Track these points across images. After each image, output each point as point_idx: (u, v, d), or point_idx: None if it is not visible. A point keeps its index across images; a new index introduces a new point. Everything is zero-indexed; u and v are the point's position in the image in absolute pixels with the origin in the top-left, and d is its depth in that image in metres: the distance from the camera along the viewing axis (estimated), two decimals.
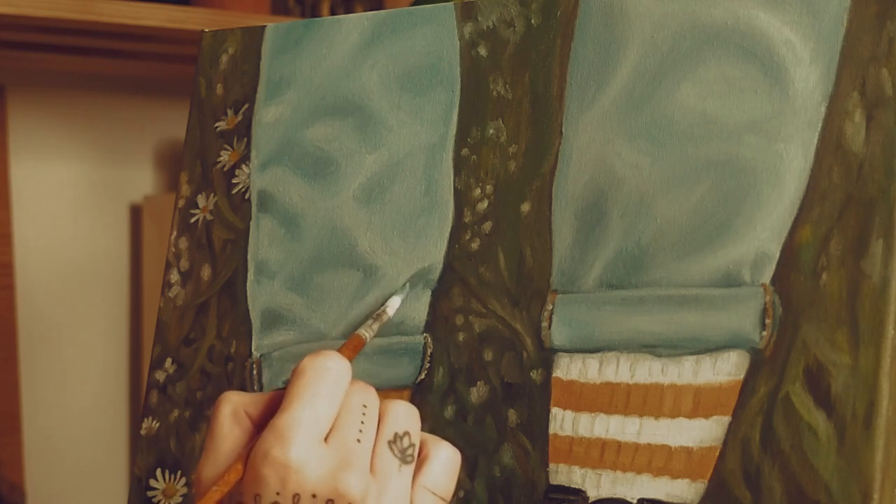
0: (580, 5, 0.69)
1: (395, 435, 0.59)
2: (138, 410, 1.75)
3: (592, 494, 0.63)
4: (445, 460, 0.60)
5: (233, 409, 0.59)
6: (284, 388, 0.59)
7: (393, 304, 0.70)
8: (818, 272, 0.59)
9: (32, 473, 1.68)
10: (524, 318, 0.67)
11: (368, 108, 0.76)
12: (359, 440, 0.58)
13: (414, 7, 0.77)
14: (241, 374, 0.76)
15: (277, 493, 0.56)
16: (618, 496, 0.63)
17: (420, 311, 0.71)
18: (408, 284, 0.71)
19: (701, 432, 0.61)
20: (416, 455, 0.59)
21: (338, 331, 0.73)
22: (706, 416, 0.61)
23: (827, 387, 0.58)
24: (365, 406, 0.59)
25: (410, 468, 0.59)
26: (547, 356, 0.66)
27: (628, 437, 0.63)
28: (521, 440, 0.66)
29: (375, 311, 0.70)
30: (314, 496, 0.56)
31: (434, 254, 0.71)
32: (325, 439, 0.58)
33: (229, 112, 0.81)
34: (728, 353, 0.61)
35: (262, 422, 0.59)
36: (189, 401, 0.78)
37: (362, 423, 0.58)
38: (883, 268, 0.57)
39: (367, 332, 0.68)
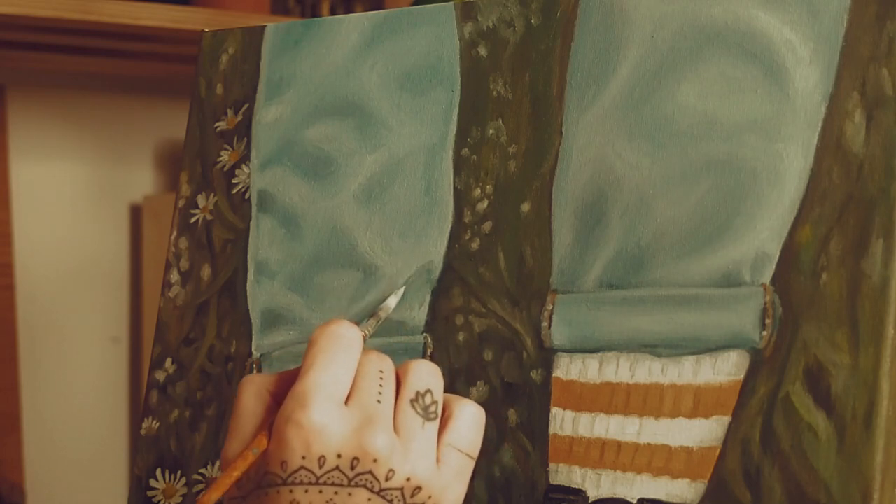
0: (580, 5, 0.69)
1: (417, 393, 0.59)
2: (138, 410, 1.75)
3: (592, 494, 0.63)
4: (469, 417, 0.60)
5: (256, 390, 0.60)
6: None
7: (389, 304, 0.70)
8: (818, 272, 0.59)
9: (32, 473, 1.68)
10: (524, 318, 0.67)
11: (368, 108, 0.76)
12: (379, 401, 0.58)
13: (414, 7, 0.77)
14: (240, 374, 0.76)
15: (303, 458, 0.56)
16: (618, 496, 0.63)
17: (420, 311, 0.71)
18: (404, 287, 0.71)
19: (701, 432, 0.61)
20: (439, 412, 0.59)
21: None
22: (706, 416, 0.61)
23: (827, 387, 0.58)
24: (381, 371, 0.59)
25: (434, 425, 0.59)
26: (547, 356, 0.66)
27: (628, 437, 0.63)
28: (521, 440, 0.66)
29: (373, 311, 0.70)
30: (339, 456, 0.56)
31: (434, 254, 0.71)
32: (346, 403, 0.58)
33: (229, 112, 0.81)
34: (728, 353, 0.61)
35: (284, 398, 0.59)
36: (189, 401, 0.78)
37: (381, 385, 0.59)
38: (883, 268, 0.57)
39: (365, 331, 0.68)
